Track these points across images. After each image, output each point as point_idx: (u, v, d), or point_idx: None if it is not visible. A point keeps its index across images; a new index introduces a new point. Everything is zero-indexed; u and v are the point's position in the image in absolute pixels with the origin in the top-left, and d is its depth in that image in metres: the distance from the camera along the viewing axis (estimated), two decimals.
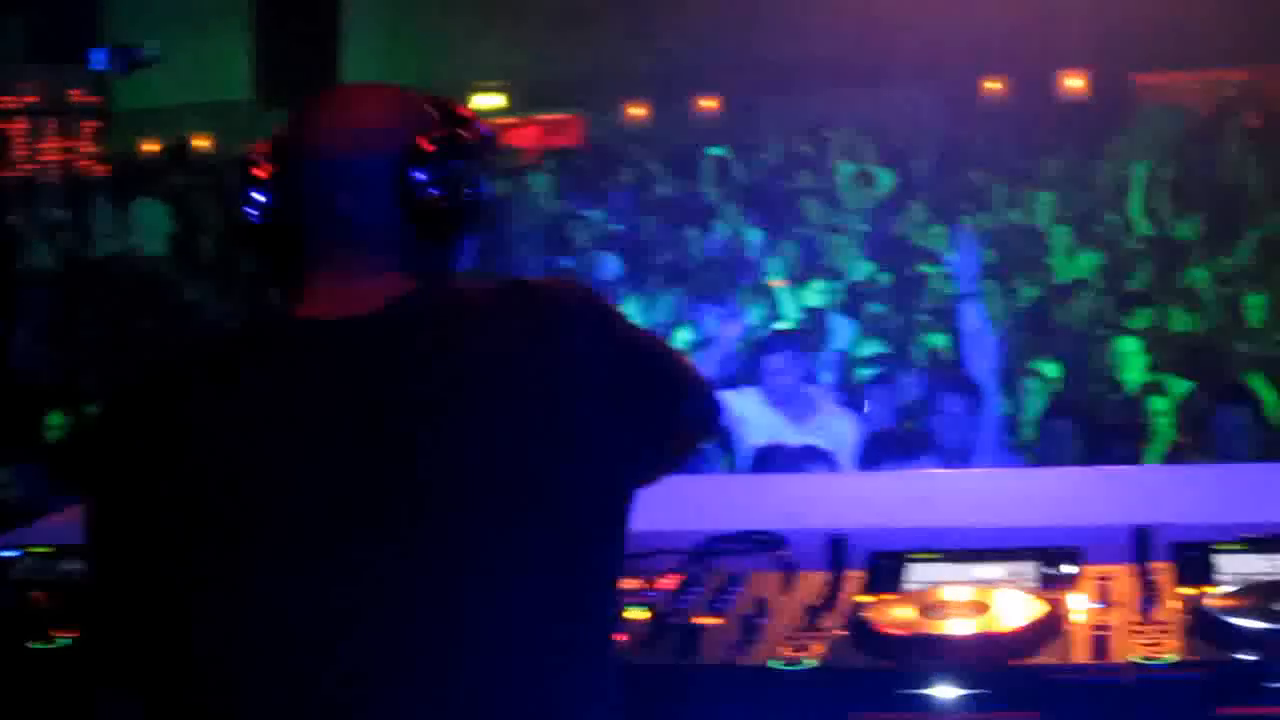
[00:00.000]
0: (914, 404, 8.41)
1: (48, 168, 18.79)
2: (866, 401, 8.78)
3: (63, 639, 3.42)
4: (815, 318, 10.95)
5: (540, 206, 15.39)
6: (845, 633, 3.13)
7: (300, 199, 2.52)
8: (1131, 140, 15.85)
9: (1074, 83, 19.23)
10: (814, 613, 3.24)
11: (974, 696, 2.91)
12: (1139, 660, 2.90)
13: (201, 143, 20.60)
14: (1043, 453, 7.71)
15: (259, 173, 2.56)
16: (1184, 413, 8.56)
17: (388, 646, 2.29)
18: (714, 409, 2.79)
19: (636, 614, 3.26)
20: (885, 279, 12.33)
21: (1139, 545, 3.40)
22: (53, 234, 16.16)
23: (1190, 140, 15.81)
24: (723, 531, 3.74)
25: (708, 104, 20.68)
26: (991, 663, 2.95)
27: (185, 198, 16.87)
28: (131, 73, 18.91)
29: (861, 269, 12.94)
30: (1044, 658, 2.96)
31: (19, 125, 19.38)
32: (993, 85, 19.64)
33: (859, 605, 3.26)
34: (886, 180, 15.62)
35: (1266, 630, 2.93)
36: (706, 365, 7.99)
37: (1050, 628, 3.04)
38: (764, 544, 3.71)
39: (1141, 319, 10.55)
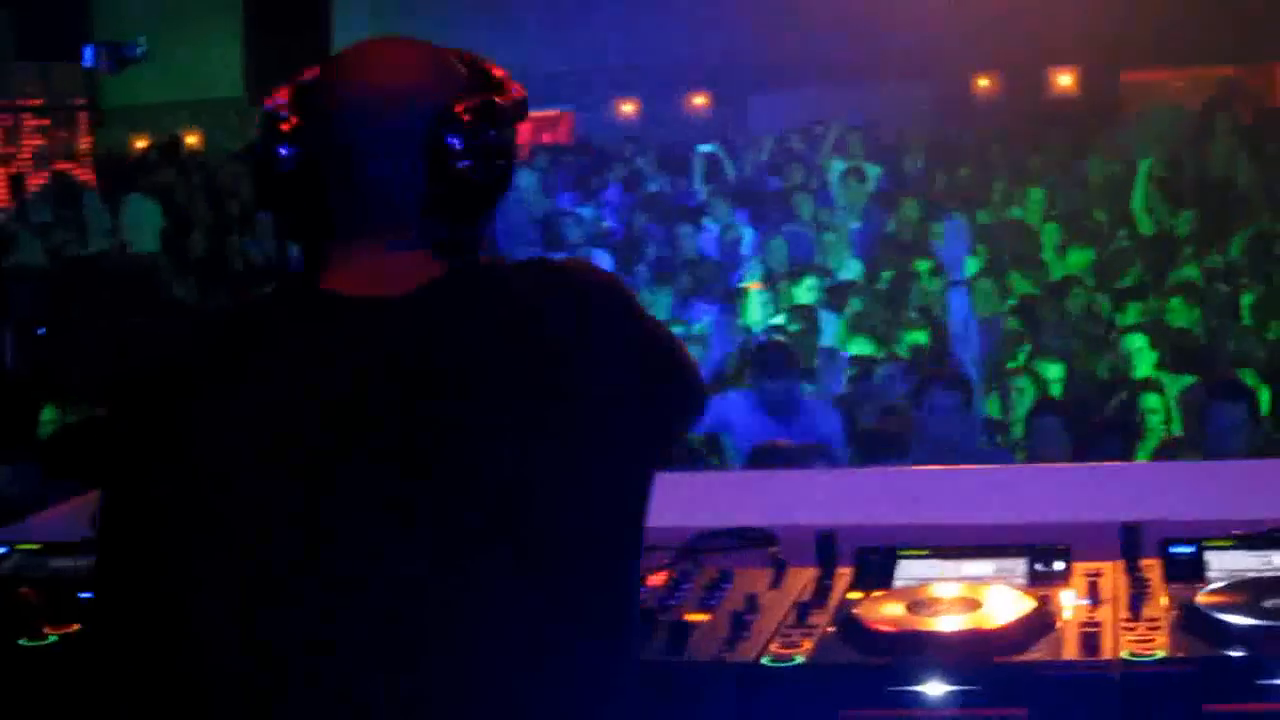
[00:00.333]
0: (901, 400, 8.42)
1: (38, 165, 18.75)
2: (856, 399, 8.80)
3: (53, 636, 3.42)
4: (806, 315, 10.95)
5: (530, 203, 15.38)
6: (835, 629, 3.13)
7: (328, 157, 2.43)
8: (1133, 137, 15.83)
9: (1064, 80, 19.25)
10: (804, 609, 3.24)
11: (963, 693, 2.90)
12: (1128, 657, 2.90)
13: (191, 140, 20.57)
14: (1033, 450, 7.72)
15: (285, 126, 2.45)
16: (1182, 409, 8.58)
17: (412, 643, 2.27)
18: (704, 403, 2.79)
19: None
20: (875, 276, 12.34)
21: (1128, 542, 3.41)
22: (43, 231, 16.14)
23: (1182, 137, 15.81)
24: (712, 528, 3.74)
25: (699, 100, 20.68)
26: (981, 659, 2.95)
27: (175, 194, 16.86)
28: (121, 70, 18.91)
29: (852, 266, 12.94)
30: (1033, 654, 2.96)
31: (9, 122, 19.36)
32: (983, 82, 19.65)
33: (849, 602, 3.26)
34: (877, 176, 15.62)
35: (1256, 627, 2.93)
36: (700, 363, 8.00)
37: (1040, 624, 3.05)
38: (754, 540, 3.71)
39: (1135, 315, 10.56)
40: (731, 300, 11.72)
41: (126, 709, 2.41)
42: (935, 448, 7.23)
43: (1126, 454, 7.47)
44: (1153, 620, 3.04)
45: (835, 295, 11.66)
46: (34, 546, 3.97)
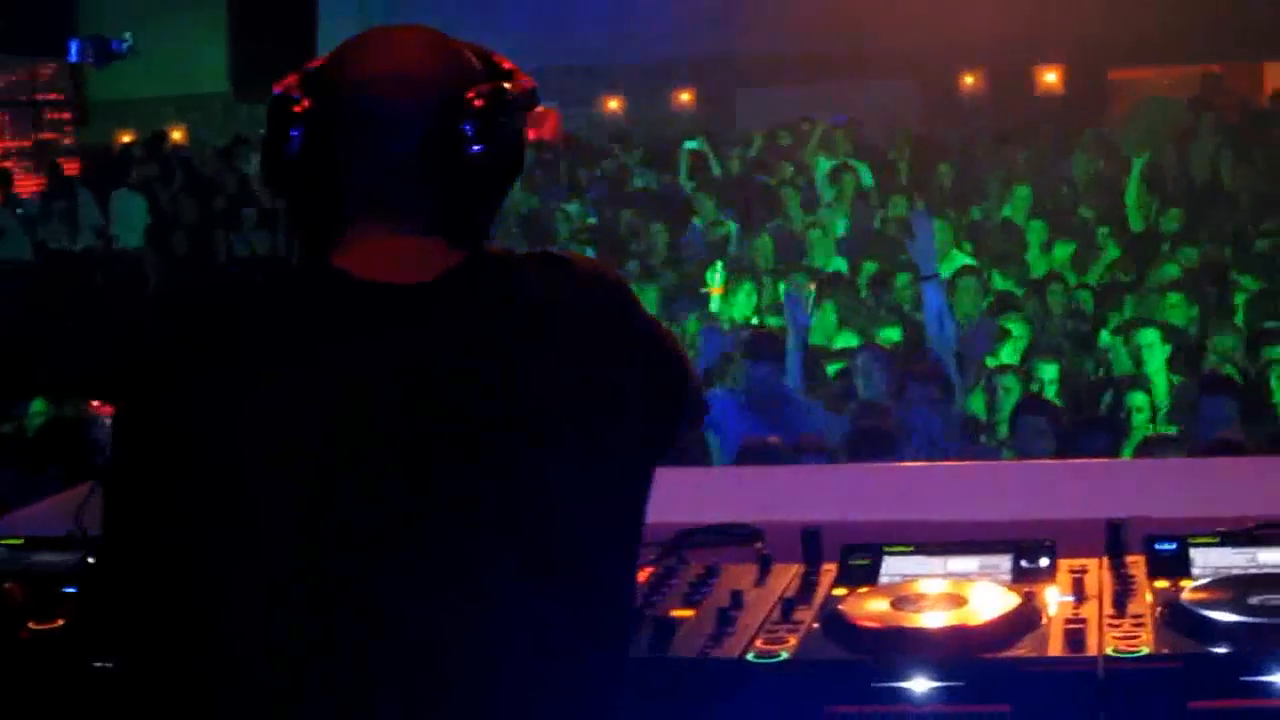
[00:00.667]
0: (883, 395, 8.42)
1: (23, 159, 18.72)
2: (841, 394, 8.80)
3: (35, 631, 3.42)
4: (791, 312, 10.94)
5: (516, 199, 15.37)
6: (820, 626, 3.13)
7: (339, 141, 2.42)
8: (1128, 132, 15.84)
9: (1050, 77, 19.26)
10: (789, 606, 3.24)
11: (948, 689, 2.91)
12: (1113, 653, 2.90)
13: (176, 134, 20.54)
14: (1018, 448, 7.72)
15: (296, 109, 2.43)
16: (1173, 405, 8.60)
17: (426, 646, 2.29)
18: (705, 405, 2.80)
19: None
20: (861, 272, 12.34)
21: (1113, 538, 3.41)
22: (29, 226, 16.11)
23: (1171, 133, 15.82)
24: (698, 524, 3.74)
25: (684, 97, 20.67)
26: (965, 655, 2.95)
27: (160, 189, 16.84)
28: (106, 64, 18.86)
29: (837, 263, 12.94)
30: (1018, 650, 2.96)
31: None
32: (969, 80, 19.66)
33: (834, 598, 3.26)
34: (864, 174, 15.62)
35: (1240, 623, 2.93)
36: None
37: (1024, 621, 3.05)
38: (739, 537, 3.71)
39: (1131, 310, 10.55)
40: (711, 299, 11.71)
41: (142, 697, 2.42)
42: (914, 442, 7.25)
43: (1112, 451, 7.47)
44: (1137, 617, 3.05)
45: (827, 291, 11.66)
46: (16, 541, 3.96)
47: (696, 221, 14.58)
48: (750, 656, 3.03)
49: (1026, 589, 3.19)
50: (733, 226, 14.25)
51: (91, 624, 3.36)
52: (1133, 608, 3.10)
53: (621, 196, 15.92)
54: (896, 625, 3.06)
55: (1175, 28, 17.95)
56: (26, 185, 18.01)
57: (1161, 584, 3.20)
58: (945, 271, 10.41)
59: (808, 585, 3.37)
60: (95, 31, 19.12)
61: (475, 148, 2.41)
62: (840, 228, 14.00)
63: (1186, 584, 3.17)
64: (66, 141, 20.19)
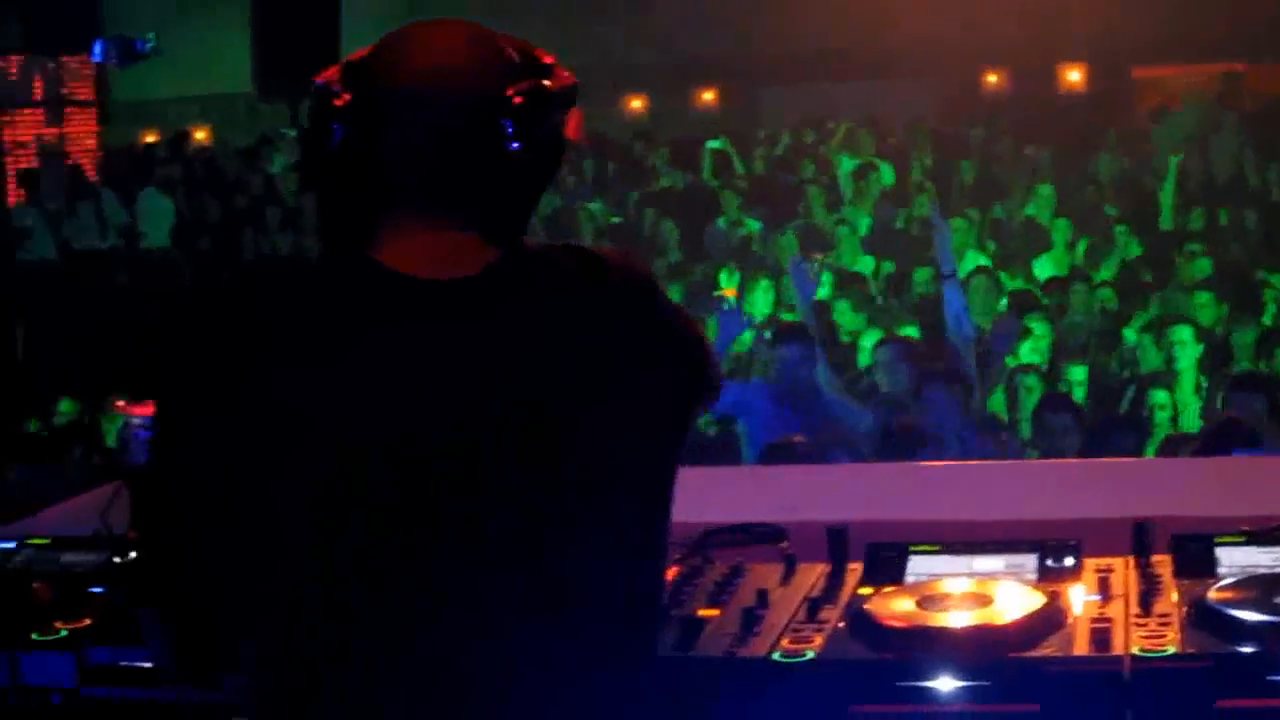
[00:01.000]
0: (905, 389, 8.42)
1: (48, 159, 18.76)
2: (866, 388, 8.80)
3: (64, 630, 3.43)
4: (819, 310, 10.96)
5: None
6: (846, 625, 3.13)
7: (380, 135, 2.43)
8: (1163, 134, 15.79)
9: (1073, 76, 19.22)
10: (815, 605, 3.23)
11: (974, 689, 2.90)
12: (1139, 653, 2.90)
13: (200, 134, 20.57)
14: (1042, 447, 7.71)
15: (338, 103, 2.44)
16: (1205, 405, 8.57)
17: (499, 625, 2.34)
18: (720, 386, 2.82)
19: None
20: (885, 270, 12.34)
21: (1139, 538, 3.40)
22: (54, 225, 16.15)
23: (1202, 135, 15.78)
24: (723, 523, 3.74)
25: (708, 96, 20.67)
26: (991, 655, 2.95)
27: (184, 189, 16.87)
28: (130, 64, 18.90)
29: (864, 262, 12.93)
30: (1044, 650, 2.95)
31: (18, 117, 19.37)
32: (993, 78, 19.63)
33: (860, 597, 3.26)
34: (887, 173, 15.61)
35: (1267, 622, 2.93)
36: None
37: (1050, 620, 3.04)
38: (764, 536, 3.71)
39: (1157, 309, 10.53)
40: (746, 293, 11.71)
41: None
42: (934, 441, 7.25)
43: (1137, 450, 7.45)
44: (1164, 616, 3.04)
45: (851, 290, 11.67)
46: (44, 541, 3.98)
47: (720, 222, 14.57)
48: (776, 656, 3.03)
49: (1052, 588, 3.18)
50: (755, 225, 14.24)
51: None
52: (1159, 607, 3.09)
53: (645, 195, 15.92)
54: (922, 625, 3.05)
55: (1199, 26, 17.90)
56: (49, 185, 17.98)
57: (1188, 583, 3.19)
58: (962, 271, 10.42)
59: (833, 584, 3.37)
60: (119, 32, 19.16)
61: (515, 144, 2.42)
62: (864, 226, 13.99)
63: (1213, 583, 3.16)
64: (90, 142, 20.21)
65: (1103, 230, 13.28)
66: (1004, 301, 10.97)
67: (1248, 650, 2.89)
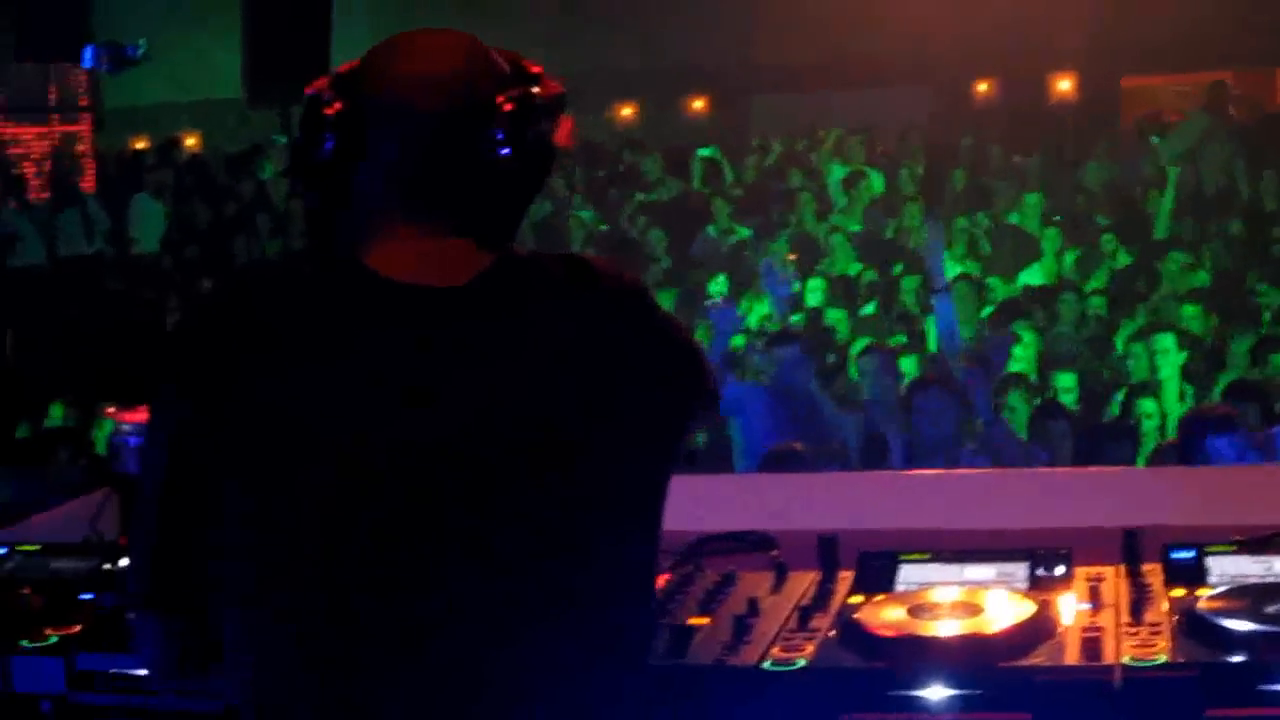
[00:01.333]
0: (890, 396, 8.44)
1: (38, 166, 18.74)
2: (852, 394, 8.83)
3: (54, 637, 3.43)
4: (811, 318, 10.97)
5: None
6: (836, 633, 3.13)
7: (370, 143, 2.45)
8: (1166, 147, 15.81)
9: (1063, 85, 19.26)
10: (805, 613, 3.24)
11: (965, 697, 2.90)
12: (1129, 662, 2.90)
13: (190, 141, 20.57)
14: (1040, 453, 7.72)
15: (329, 111, 2.46)
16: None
17: (450, 621, 2.34)
18: (718, 396, 2.82)
19: None
20: (874, 279, 12.34)
21: (1130, 546, 3.41)
22: (44, 232, 16.14)
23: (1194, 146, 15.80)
24: (714, 532, 3.74)
25: (699, 104, 20.68)
26: (982, 664, 2.95)
27: (174, 195, 16.87)
28: (121, 71, 18.89)
29: (853, 270, 12.94)
30: (1035, 659, 2.95)
31: (9, 123, 19.35)
32: (983, 87, 19.66)
33: (850, 606, 3.26)
34: (877, 181, 15.63)
35: (1257, 632, 2.93)
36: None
37: (1041, 629, 3.05)
38: (755, 544, 3.72)
39: (1144, 318, 10.55)
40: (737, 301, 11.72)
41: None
42: (925, 450, 7.27)
43: (1129, 459, 7.46)
44: (1154, 625, 3.04)
45: (842, 298, 11.70)
46: (34, 547, 3.97)
47: (710, 230, 14.58)
48: (767, 664, 3.03)
49: (1043, 597, 3.18)
50: (746, 233, 14.25)
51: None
52: (1149, 616, 3.09)
53: (635, 203, 15.92)
54: (913, 633, 3.05)
55: (1188, 35, 17.93)
56: (39, 191, 17.99)
57: (1178, 592, 3.20)
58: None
59: (824, 593, 3.37)
60: (110, 38, 19.14)
61: (504, 151, 2.43)
62: (854, 234, 14.00)
63: (1203, 592, 3.16)
64: (81, 148, 20.20)
65: (1092, 239, 13.30)
66: (987, 310, 10.98)
67: (1238, 660, 2.89)
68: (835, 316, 11.06)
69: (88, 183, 18.92)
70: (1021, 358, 9.70)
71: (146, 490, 2.46)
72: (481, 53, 2.50)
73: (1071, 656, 2.95)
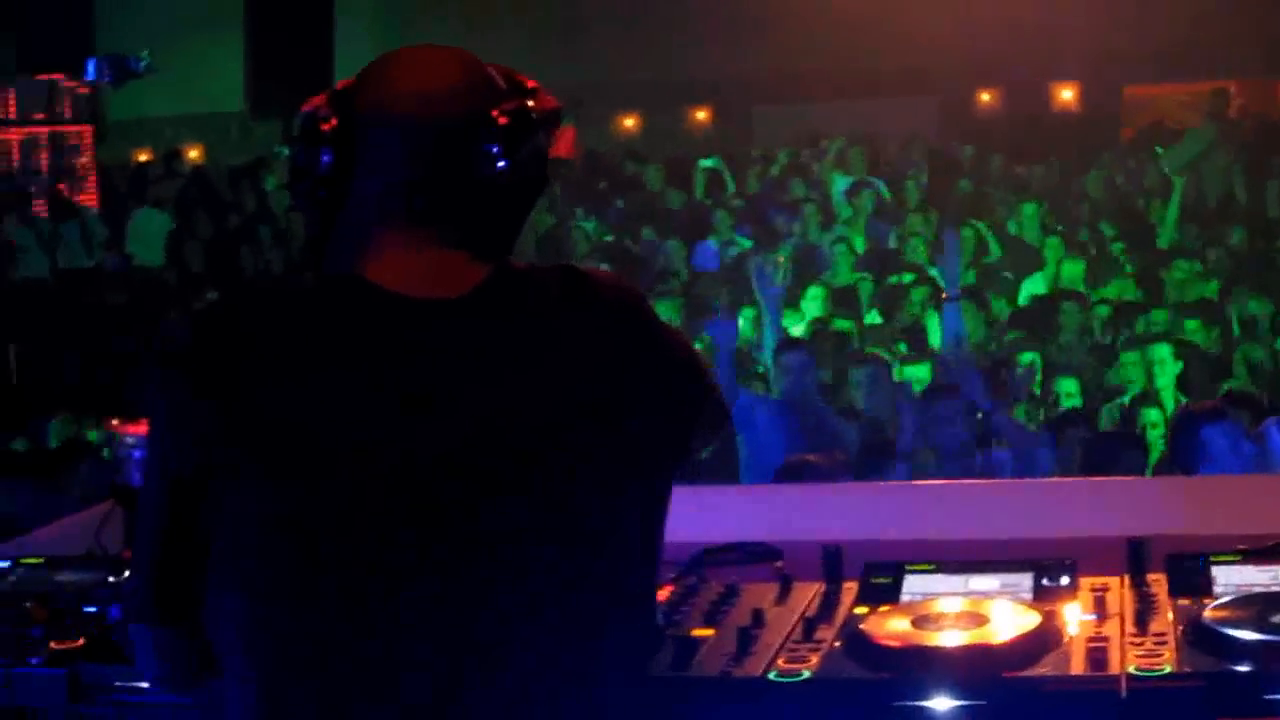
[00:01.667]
0: (885, 409, 8.43)
1: (41, 178, 18.76)
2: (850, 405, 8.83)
3: (57, 650, 3.42)
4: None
5: (533, 217, 15.36)
6: (841, 645, 3.12)
7: (367, 157, 2.47)
8: (1171, 157, 15.82)
9: (1066, 94, 19.27)
10: (810, 625, 3.23)
11: (970, 708, 2.90)
12: (1135, 672, 2.89)
13: (193, 153, 20.58)
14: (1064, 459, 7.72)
15: (325, 127, 2.48)
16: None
17: (444, 631, 2.34)
18: (726, 410, 2.82)
19: None
20: (862, 290, 12.34)
21: (1135, 556, 3.40)
22: (47, 244, 16.15)
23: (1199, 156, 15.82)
24: (718, 543, 3.74)
25: (701, 115, 20.70)
26: (987, 674, 2.94)
27: (177, 208, 16.88)
28: (124, 83, 18.91)
29: (854, 279, 12.93)
30: (1040, 669, 2.95)
31: (12, 135, 19.36)
32: (985, 97, 19.68)
33: (855, 617, 3.25)
34: (881, 191, 15.62)
35: (1263, 641, 2.92)
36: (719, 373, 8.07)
37: (1046, 639, 3.04)
38: (760, 555, 3.71)
39: (1143, 328, 10.55)
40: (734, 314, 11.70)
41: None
42: (937, 458, 7.27)
43: (1139, 468, 7.46)
44: (1159, 635, 3.04)
45: (845, 308, 11.70)
46: (37, 560, 3.97)
47: (712, 240, 14.57)
48: (772, 675, 3.02)
49: (1048, 607, 3.18)
50: (748, 243, 14.25)
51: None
52: (1155, 626, 3.09)
53: (639, 214, 15.92)
54: (918, 644, 3.05)
55: (1190, 44, 17.95)
56: (43, 204, 17.98)
57: (1184, 602, 3.19)
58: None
59: (829, 604, 3.36)
60: (113, 50, 19.16)
61: (500, 165, 2.44)
62: (860, 245, 14.00)
63: (1209, 602, 3.15)
64: (84, 160, 20.21)
65: (1094, 248, 13.30)
66: (1002, 305, 10.99)
67: (1244, 669, 2.88)
68: (841, 325, 11.04)
69: (90, 195, 18.91)
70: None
71: (146, 503, 2.46)
72: (477, 67, 2.52)
73: (1077, 667, 2.94)
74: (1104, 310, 11.16)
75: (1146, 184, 15.19)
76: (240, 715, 2.43)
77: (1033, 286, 12.47)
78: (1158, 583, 3.32)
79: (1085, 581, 3.34)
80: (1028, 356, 9.77)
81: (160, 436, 2.47)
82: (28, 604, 3.58)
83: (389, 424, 2.35)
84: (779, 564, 3.62)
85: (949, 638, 3.05)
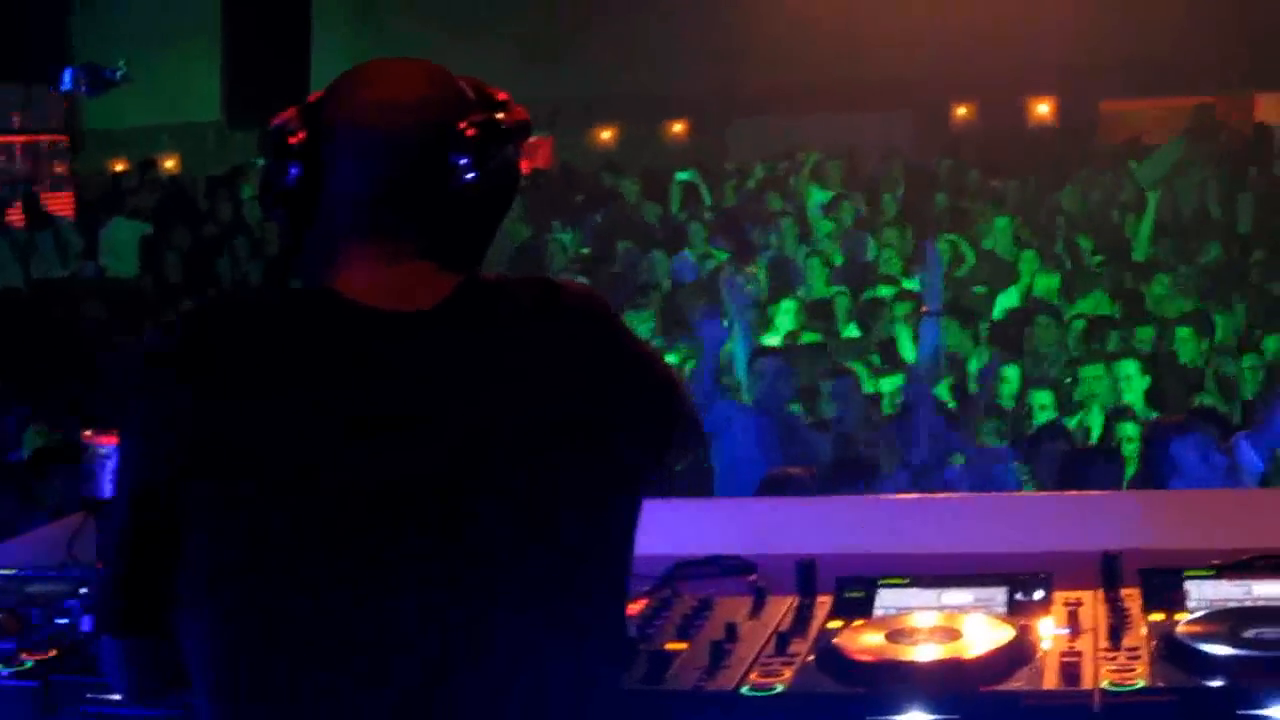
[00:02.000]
0: (858, 423, 8.45)
1: (16, 187, 18.71)
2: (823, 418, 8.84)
3: (30, 661, 3.41)
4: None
5: (510, 229, 15.38)
6: (815, 659, 3.12)
7: (335, 170, 2.47)
8: (1146, 170, 15.87)
9: (1042, 109, 19.31)
10: (783, 639, 3.23)
11: None
12: (1108, 687, 2.89)
13: (169, 163, 20.55)
14: (1038, 475, 7.73)
15: (292, 140, 2.48)
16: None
17: (411, 643, 2.33)
18: (699, 425, 2.81)
19: None
20: (838, 304, 12.35)
21: (1109, 571, 3.40)
22: (21, 254, 16.10)
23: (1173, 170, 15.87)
24: (692, 556, 3.74)
25: (677, 128, 20.72)
26: (961, 689, 2.94)
27: (153, 217, 16.84)
28: (100, 93, 18.89)
29: (829, 293, 12.95)
30: (1013, 684, 2.95)
31: None
32: (961, 111, 19.72)
33: (829, 631, 3.25)
34: (857, 204, 15.64)
35: (1236, 656, 2.93)
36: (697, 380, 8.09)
37: (1020, 654, 3.04)
38: (733, 569, 3.71)
39: (1115, 343, 10.57)
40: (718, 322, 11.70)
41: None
42: (919, 471, 7.29)
43: (1115, 483, 7.47)
44: (1133, 650, 3.04)
45: (822, 320, 11.71)
46: (9, 572, 3.95)
47: (688, 253, 14.58)
48: (745, 690, 3.02)
49: (1022, 622, 3.18)
50: (723, 256, 14.25)
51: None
52: (1128, 641, 3.09)
53: (615, 227, 15.92)
54: (891, 658, 3.05)
55: (1166, 59, 18.00)
56: (18, 213, 17.93)
57: (1157, 617, 3.20)
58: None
59: (802, 618, 3.36)
60: (89, 60, 19.14)
61: (467, 176, 2.44)
62: (837, 258, 14.02)
63: (1182, 617, 3.16)
64: (59, 170, 20.17)
65: (1069, 262, 13.33)
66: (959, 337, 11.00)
67: (1217, 684, 2.89)
68: (813, 338, 11.04)
69: (65, 205, 18.86)
70: (1005, 394, 9.71)
71: (114, 515, 2.46)
72: (445, 79, 2.52)
73: (1050, 681, 2.95)
74: (1079, 324, 11.19)
75: (1123, 198, 15.23)
76: None
77: (1007, 301, 12.49)
78: (1131, 597, 3.32)
79: (1059, 596, 3.35)
80: (1011, 370, 9.80)
81: (135, 442, 2.46)
82: (1, 615, 3.57)
83: (354, 437, 2.34)
84: (753, 577, 3.62)
85: (923, 652, 3.05)
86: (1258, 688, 2.85)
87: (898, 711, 2.91)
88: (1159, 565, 3.40)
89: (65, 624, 3.58)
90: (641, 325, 11.47)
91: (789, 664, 3.11)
